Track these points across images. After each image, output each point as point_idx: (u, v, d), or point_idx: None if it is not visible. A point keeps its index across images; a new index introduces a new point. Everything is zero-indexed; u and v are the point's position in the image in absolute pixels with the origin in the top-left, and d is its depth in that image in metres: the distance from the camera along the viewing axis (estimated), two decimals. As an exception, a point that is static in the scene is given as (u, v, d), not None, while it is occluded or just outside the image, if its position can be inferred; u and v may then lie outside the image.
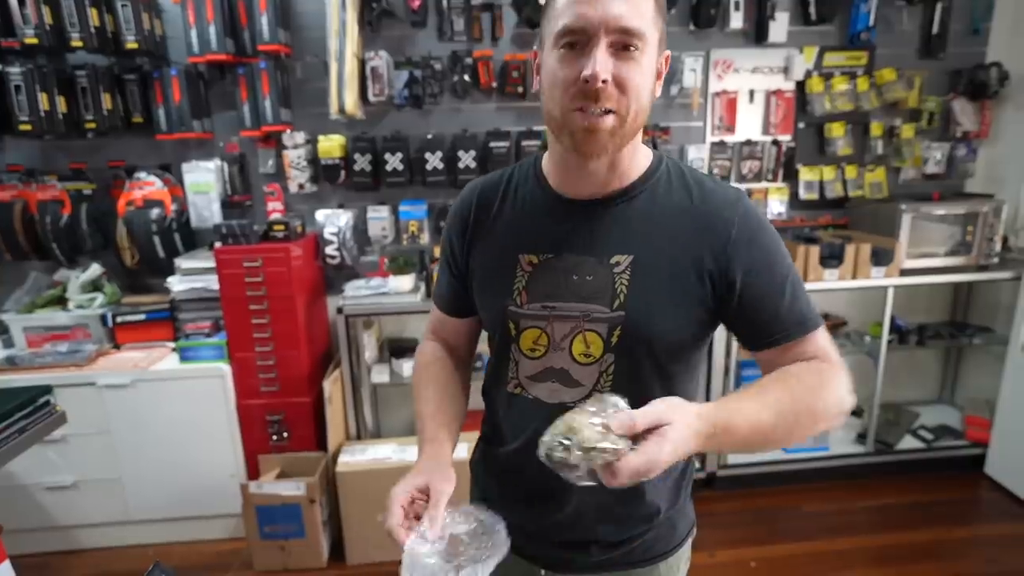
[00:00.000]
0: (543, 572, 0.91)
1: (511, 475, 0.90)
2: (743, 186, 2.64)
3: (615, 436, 0.62)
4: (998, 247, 2.44)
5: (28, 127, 2.10)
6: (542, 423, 0.78)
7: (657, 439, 0.62)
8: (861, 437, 2.64)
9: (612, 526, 0.86)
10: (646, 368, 0.80)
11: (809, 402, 0.73)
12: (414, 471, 0.82)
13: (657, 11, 0.72)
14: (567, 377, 0.81)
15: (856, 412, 2.80)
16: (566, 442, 0.62)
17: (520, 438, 0.86)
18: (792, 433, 0.73)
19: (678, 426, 0.63)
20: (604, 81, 0.68)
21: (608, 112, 0.71)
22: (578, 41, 0.70)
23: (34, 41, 2.01)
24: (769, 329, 0.78)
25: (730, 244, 0.76)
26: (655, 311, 0.77)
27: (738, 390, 0.75)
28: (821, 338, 0.79)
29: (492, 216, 0.88)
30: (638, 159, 0.82)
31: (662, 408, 0.65)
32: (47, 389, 1.49)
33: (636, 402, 0.76)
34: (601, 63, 0.68)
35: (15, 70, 2.05)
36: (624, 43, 0.69)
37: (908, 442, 2.65)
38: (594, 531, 0.87)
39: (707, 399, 0.93)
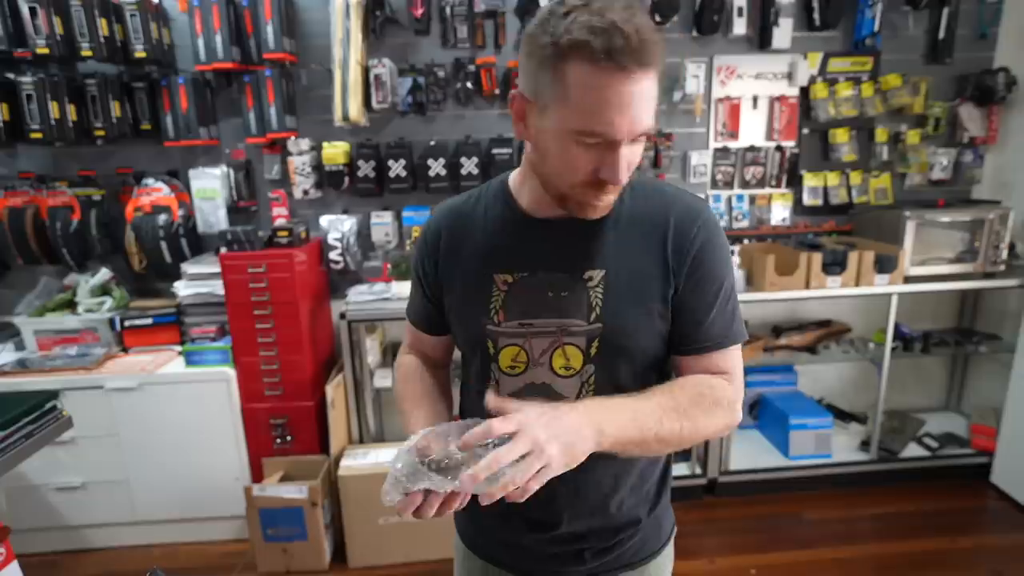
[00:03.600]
0: None
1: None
2: (746, 192, 2.64)
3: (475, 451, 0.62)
4: (1004, 254, 2.42)
5: (39, 135, 2.14)
6: None
7: (515, 419, 0.64)
8: (864, 445, 2.62)
9: (602, 532, 0.89)
10: (625, 376, 0.82)
11: (687, 408, 0.76)
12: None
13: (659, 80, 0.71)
14: (549, 391, 0.83)
15: (860, 419, 2.79)
16: (412, 468, 0.62)
17: None
18: (670, 435, 0.73)
19: (530, 407, 0.66)
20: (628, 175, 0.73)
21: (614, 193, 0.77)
22: (599, 137, 0.69)
23: (45, 51, 2.05)
24: (689, 338, 0.83)
25: (685, 254, 0.80)
26: (629, 321, 0.80)
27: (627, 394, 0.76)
28: (732, 356, 0.84)
29: (463, 238, 0.88)
30: None
31: (518, 411, 0.66)
32: (54, 394, 1.52)
33: None
34: (624, 168, 0.72)
35: (27, 79, 2.10)
36: (637, 140, 0.72)
37: (913, 450, 2.63)
38: (585, 539, 0.89)
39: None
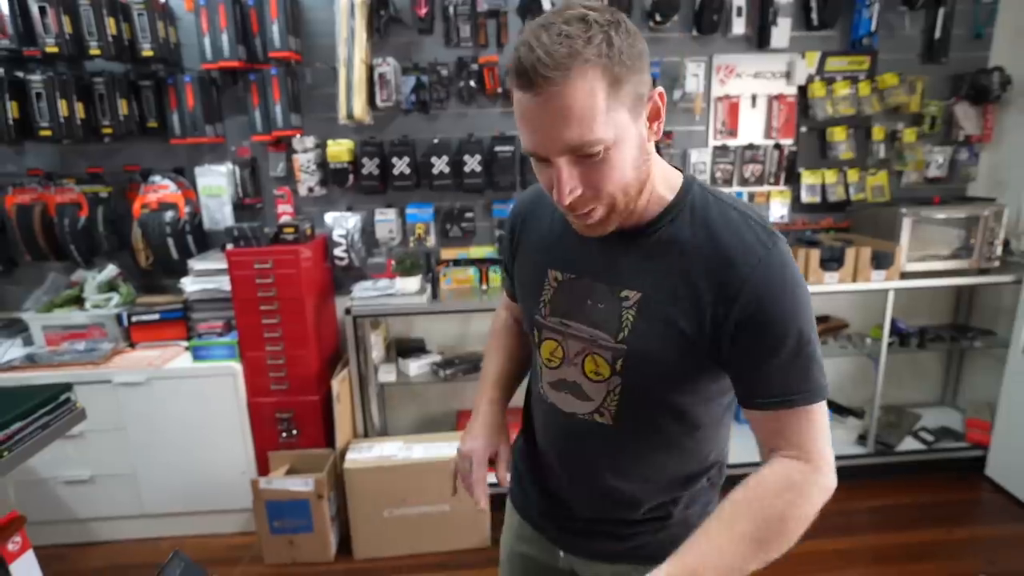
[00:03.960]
0: (562, 553, 0.98)
1: (535, 464, 0.99)
2: (745, 190, 2.67)
3: None
4: (999, 251, 2.45)
5: (48, 132, 2.17)
6: (557, 428, 0.90)
7: None
8: (862, 439, 2.66)
9: (615, 525, 0.91)
10: (651, 396, 0.81)
11: (780, 530, 0.71)
12: (473, 433, 0.98)
13: (612, 87, 0.64)
14: (579, 390, 0.85)
15: (857, 414, 2.82)
16: None
17: (541, 435, 0.95)
18: (766, 560, 0.72)
19: None
20: (573, 192, 0.69)
21: (594, 208, 0.72)
22: (540, 159, 0.70)
23: (55, 50, 2.08)
24: (751, 391, 0.75)
25: (734, 292, 0.71)
26: (653, 348, 0.77)
27: (707, 520, 0.72)
28: (807, 420, 0.73)
29: (536, 227, 0.92)
30: (658, 193, 0.78)
31: None
32: (68, 387, 1.55)
33: (644, 426, 0.84)
34: (566, 186, 0.68)
35: (36, 78, 2.12)
36: (584, 154, 0.67)
37: (909, 444, 2.66)
38: (600, 526, 0.92)
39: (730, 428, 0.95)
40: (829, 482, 0.74)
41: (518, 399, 1.06)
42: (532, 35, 0.64)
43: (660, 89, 0.72)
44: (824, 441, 0.75)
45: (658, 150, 0.81)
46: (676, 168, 0.82)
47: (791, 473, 0.73)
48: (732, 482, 0.79)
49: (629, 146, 0.69)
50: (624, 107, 0.66)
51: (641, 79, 0.68)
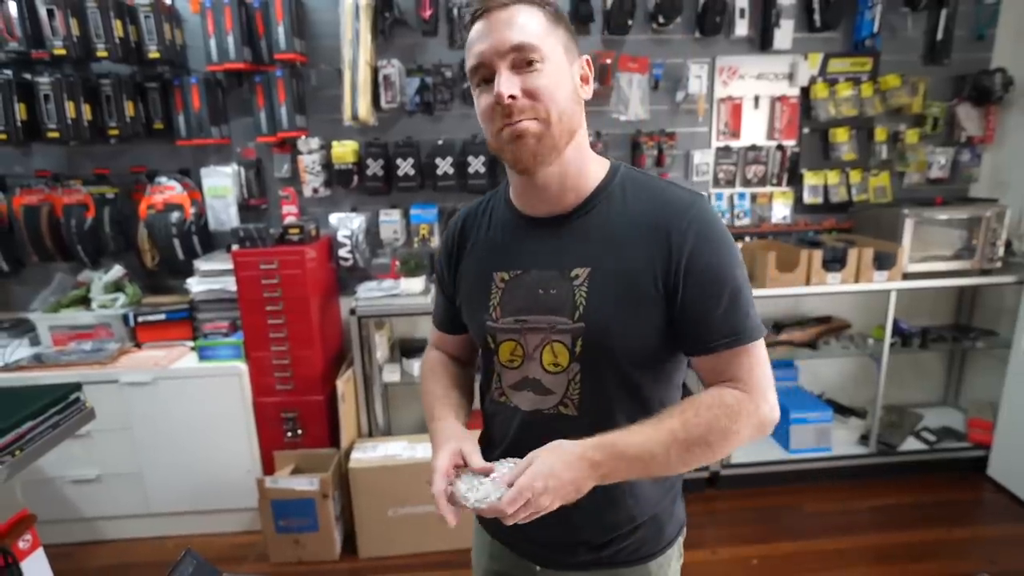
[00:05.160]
0: (538, 569, 0.96)
1: None
2: (748, 191, 2.68)
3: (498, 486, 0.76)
4: (1001, 251, 2.46)
5: (56, 134, 2.18)
6: (521, 430, 0.89)
7: (525, 473, 0.74)
8: (864, 439, 2.67)
9: (595, 529, 0.90)
10: (611, 377, 0.83)
11: (703, 435, 0.77)
12: (437, 446, 0.87)
13: (551, 24, 0.78)
14: (540, 386, 0.86)
15: (859, 414, 2.83)
16: (467, 496, 0.77)
17: (504, 442, 0.92)
18: (686, 462, 0.78)
19: (543, 457, 0.75)
20: (513, 96, 0.75)
21: (530, 120, 0.77)
22: (487, 75, 0.78)
23: (62, 52, 2.10)
24: (697, 337, 0.81)
25: (676, 250, 0.78)
26: (612, 321, 0.80)
27: (641, 421, 0.78)
28: (750, 356, 0.81)
29: (473, 241, 0.94)
30: (591, 172, 0.85)
31: (536, 451, 0.76)
32: (77, 386, 1.57)
33: (607, 411, 0.84)
34: (504, 83, 0.75)
35: (44, 80, 2.14)
36: (523, 60, 0.76)
37: (911, 444, 2.67)
38: (578, 533, 0.90)
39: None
40: (763, 413, 0.80)
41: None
42: None
43: (587, 57, 0.85)
44: (762, 375, 0.82)
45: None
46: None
47: (725, 395, 0.80)
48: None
49: (563, 75, 0.79)
50: (559, 45, 0.79)
51: (571, 39, 0.82)
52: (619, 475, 0.77)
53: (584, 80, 0.83)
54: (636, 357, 0.83)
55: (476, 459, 0.82)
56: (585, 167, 0.84)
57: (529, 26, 0.76)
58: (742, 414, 0.78)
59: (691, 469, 0.80)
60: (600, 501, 0.84)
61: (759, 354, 0.82)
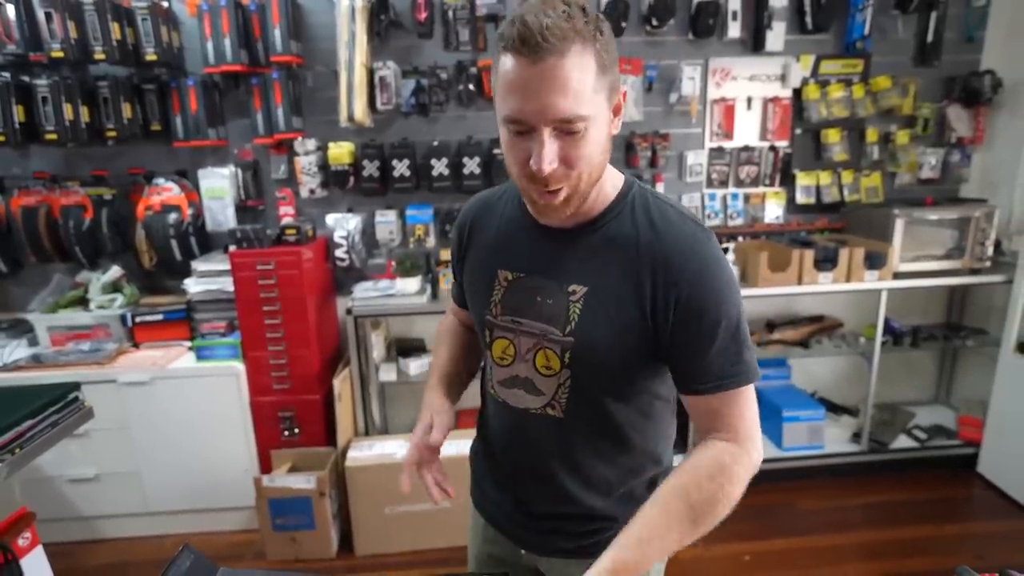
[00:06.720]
0: (523, 552, 1.00)
1: (491, 463, 1.02)
2: (740, 191, 2.71)
3: None
4: (990, 251, 2.49)
5: (54, 136, 2.19)
6: (509, 425, 0.93)
7: None
8: (856, 436, 2.69)
9: (572, 519, 0.93)
10: (598, 388, 0.85)
11: (711, 509, 0.76)
12: (420, 416, 0.97)
13: (601, 73, 0.70)
14: (531, 386, 0.88)
15: (851, 412, 2.86)
16: None
17: (494, 434, 0.98)
18: (697, 536, 0.77)
19: None
20: (551, 168, 0.71)
21: (562, 186, 0.75)
22: (522, 129, 0.72)
23: (60, 55, 2.11)
24: (688, 377, 0.81)
25: (675, 285, 0.77)
26: (599, 341, 0.81)
27: (645, 506, 0.77)
28: (739, 401, 0.80)
29: (484, 230, 0.95)
30: (605, 191, 0.83)
31: None
32: (76, 386, 1.58)
33: (592, 416, 0.87)
34: (547, 156, 0.70)
35: (42, 82, 2.15)
36: (568, 129, 0.70)
37: (902, 441, 2.71)
38: (555, 523, 0.94)
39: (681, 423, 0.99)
40: (754, 460, 0.80)
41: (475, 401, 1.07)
42: (535, 8, 0.68)
43: (625, 88, 0.79)
44: (752, 420, 0.81)
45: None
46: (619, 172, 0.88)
47: (722, 457, 0.78)
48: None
49: (602, 130, 0.74)
50: (604, 92, 0.72)
51: (616, 73, 0.75)
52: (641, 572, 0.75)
53: (616, 111, 0.77)
54: (619, 375, 0.84)
55: (434, 435, 0.90)
56: (603, 187, 0.82)
57: (582, 88, 0.68)
58: (741, 474, 0.78)
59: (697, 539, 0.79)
60: (567, 502, 0.91)
61: (750, 398, 0.81)
